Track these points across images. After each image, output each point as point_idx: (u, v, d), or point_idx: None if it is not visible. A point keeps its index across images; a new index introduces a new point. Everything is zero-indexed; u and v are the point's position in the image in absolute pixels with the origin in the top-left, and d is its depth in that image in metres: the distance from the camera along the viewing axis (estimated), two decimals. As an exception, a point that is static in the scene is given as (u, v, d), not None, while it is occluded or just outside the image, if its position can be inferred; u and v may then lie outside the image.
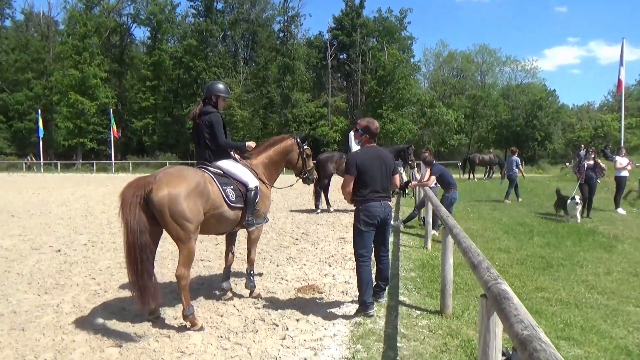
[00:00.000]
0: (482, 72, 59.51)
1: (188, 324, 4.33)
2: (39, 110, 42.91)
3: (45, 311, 4.80)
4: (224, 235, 5.55)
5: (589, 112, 67.94)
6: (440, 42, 71.89)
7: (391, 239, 7.04)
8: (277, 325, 4.37)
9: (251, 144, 5.26)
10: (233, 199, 4.69)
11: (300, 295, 5.35)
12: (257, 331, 4.24)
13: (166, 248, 7.45)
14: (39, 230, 9.65)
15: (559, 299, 5.27)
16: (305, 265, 6.79)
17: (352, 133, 12.88)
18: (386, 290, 5.11)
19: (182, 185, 4.20)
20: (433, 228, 8.61)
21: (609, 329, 4.42)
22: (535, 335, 1.51)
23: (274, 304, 5.04)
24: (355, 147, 12.48)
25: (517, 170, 15.12)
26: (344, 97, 52.34)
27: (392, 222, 5.03)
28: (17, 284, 5.79)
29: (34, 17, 55.76)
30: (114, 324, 4.41)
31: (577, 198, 10.81)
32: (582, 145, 31.24)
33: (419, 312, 4.70)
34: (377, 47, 50.28)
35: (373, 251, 4.88)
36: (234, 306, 4.97)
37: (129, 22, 55.97)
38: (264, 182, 5.29)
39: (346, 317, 4.60)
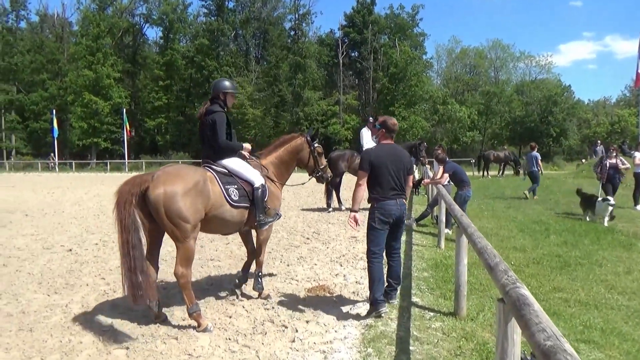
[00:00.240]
0: (496, 68, 58.76)
1: (194, 323, 4.29)
2: (54, 111, 43.43)
3: (54, 311, 4.77)
4: (236, 235, 5.51)
5: (605, 108, 66.87)
6: (452, 38, 71.55)
7: (403, 237, 6.88)
8: (286, 327, 4.28)
9: (247, 146, 5.13)
10: (236, 198, 4.60)
11: (310, 295, 5.26)
12: (266, 333, 4.15)
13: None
14: (52, 230, 9.69)
15: (577, 299, 5.09)
16: (316, 264, 6.69)
17: (363, 130, 12.76)
18: (398, 290, 5.00)
19: (179, 183, 4.15)
20: (446, 227, 8.44)
21: (630, 331, 4.24)
22: (560, 347, 1.39)
23: (283, 304, 4.95)
24: (367, 144, 12.34)
25: (536, 167, 14.83)
26: (355, 94, 52.02)
27: (405, 221, 4.92)
28: (28, 283, 5.78)
29: (49, 19, 56.43)
30: (121, 325, 4.36)
31: (612, 200, 10.14)
32: (599, 141, 30.69)
33: (432, 313, 4.57)
34: (389, 44, 49.89)
35: (386, 249, 4.84)
36: (243, 307, 4.89)
37: (142, 22, 56.32)
38: (273, 182, 5.20)
39: (357, 319, 4.49)
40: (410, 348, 3.77)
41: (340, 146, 41.46)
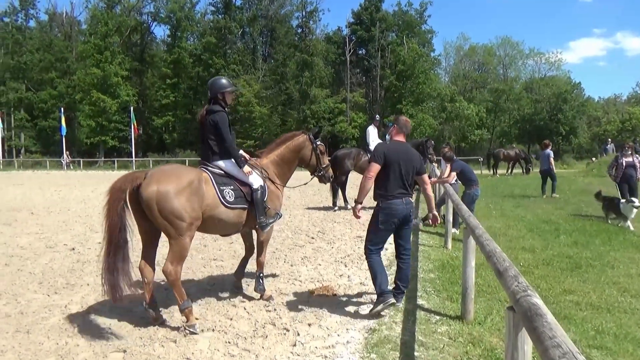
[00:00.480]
0: (505, 65, 58.24)
1: (184, 319, 4.23)
2: (62, 109, 43.63)
3: (53, 312, 4.69)
4: (239, 235, 5.43)
5: (616, 105, 66.04)
6: (461, 35, 70.80)
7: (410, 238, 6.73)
8: (288, 330, 4.16)
9: (245, 155, 5.04)
10: (231, 199, 4.50)
11: (313, 297, 5.13)
12: (266, 336, 4.04)
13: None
14: (56, 228, 9.66)
15: (589, 302, 4.93)
16: (320, 265, 6.57)
17: (370, 128, 12.61)
18: (405, 293, 4.86)
19: (172, 182, 4.08)
20: (453, 226, 8.28)
21: (645, 336, 4.08)
22: (577, 366, 1.26)
23: (286, 306, 4.84)
24: (373, 142, 12.20)
25: (549, 164, 14.57)
26: (362, 92, 51.79)
27: (413, 219, 4.80)
28: (28, 283, 5.72)
29: (57, 17, 56.73)
30: (120, 327, 4.26)
31: (637, 201, 9.55)
32: (609, 140, 30.27)
33: (438, 317, 4.43)
34: (397, 41, 49.61)
35: (395, 250, 4.81)
36: (245, 309, 4.78)
37: (149, 21, 56.49)
38: (273, 182, 5.08)
39: (361, 322, 4.36)
40: (415, 354, 3.63)
41: (347, 144, 41.29)
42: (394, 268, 5.12)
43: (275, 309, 4.74)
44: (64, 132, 42.52)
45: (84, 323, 4.37)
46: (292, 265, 6.56)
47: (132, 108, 43.11)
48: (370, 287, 5.46)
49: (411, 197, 4.69)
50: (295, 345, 3.85)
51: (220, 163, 4.69)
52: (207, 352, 3.77)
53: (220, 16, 51.33)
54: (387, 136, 5.39)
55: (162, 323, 4.31)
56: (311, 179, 5.77)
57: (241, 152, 5.04)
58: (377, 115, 13.71)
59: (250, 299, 5.12)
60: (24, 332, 4.16)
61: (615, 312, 4.65)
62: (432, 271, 6.14)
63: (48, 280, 5.80)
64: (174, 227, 4.05)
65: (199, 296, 5.19)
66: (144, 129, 50.85)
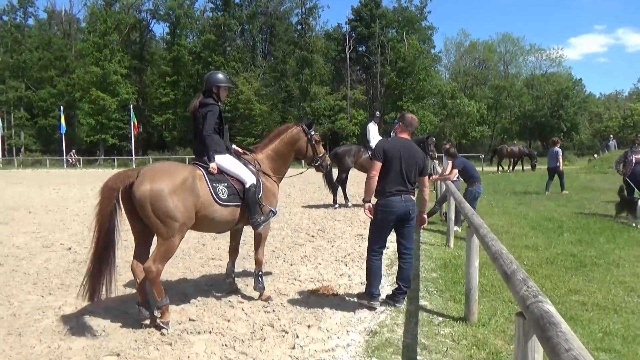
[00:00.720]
0: (505, 61, 57.92)
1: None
2: (61, 107, 43.49)
3: (46, 314, 4.58)
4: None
5: (617, 101, 65.84)
6: (461, 32, 70.66)
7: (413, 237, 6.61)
8: (286, 333, 4.05)
9: (238, 149, 4.94)
10: (224, 197, 4.39)
11: (313, 297, 5.02)
12: (264, 339, 3.92)
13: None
14: (53, 227, 9.55)
15: (595, 302, 4.81)
16: (320, 264, 6.46)
17: (370, 125, 12.48)
18: (407, 294, 4.75)
19: (165, 180, 3.97)
20: (455, 224, 8.16)
21: (654, 338, 3.96)
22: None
23: (285, 307, 4.72)
24: (373, 139, 12.07)
25: (558, 162, 14.43)
26: (363, 89, 51.62)
27: (414, 218, 4.72)
28: (23, 284, 5.61)
29: (56, 15, 56.59)
30: (114, 330, 4.15)
31: None
32: (611, 136, 30.15)
33: (441, 318, 4.31)
34: (397, 38, 49.35)
35: (397, 249, 4.76)
36: (243, 310, 4.67)
37: (148, 18, 56.30)
38: (270, 177, 4.97)
39: (361, 324, 4.24)
40: (418, 357, 3.52)
41: (347, 141, 41.18)
42: (396, 268, 5.02)
43: (274, 310, 4.63)
44: (63, 130, 42.34)
45: (78, 325, 4.26)
46: (291, 265, 6.45)
47: (131, 106, 42.92)
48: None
49: (412, 195, 4.59)
50: (294, 348, 3.74)
51: (215, 159, 4.57)
52: (203, 355, 3.66)
53: (219, 13, 51.11)
54: (391, 133, 5.30)
55: (157, 325, 4.20)
56: (307, 168, 5.65)
57: (234, 146, 4.93)
58: (378, 112, 13.56)
59: (249, 299, 5.01)
60: (15, 335, 4.05)
61: (623, 313, 4.53)
62: (435, 270, 6.02)
63: (43, 281, 5.69)
64: (166, 226, 3.95)
65: (196, 296, 5.08)
66: (144, 127, 50.70)
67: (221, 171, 4.54)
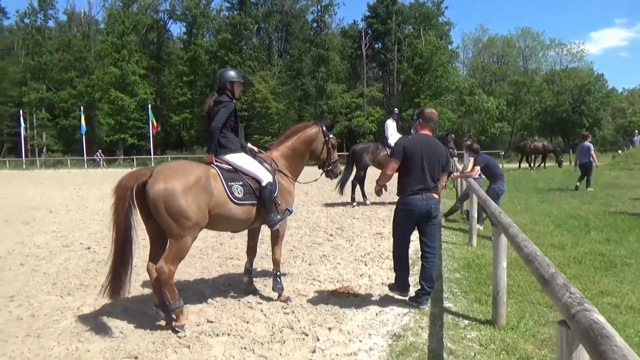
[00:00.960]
0: (525, 57, 56.95)
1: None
2: (82, 108, 44.16)
3: (65, 315, 4.55)
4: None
5: (642, 96, 64.16)
6: (479, 27, 69.53)
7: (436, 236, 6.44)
8: (306, 335, 3.93)
9: (253, 147, 4.86)
10: (240, 195, 4.31)
11: (333, 298, 4.89)
12: (284, 342, 3.82)
13: (195, 245, 7.14)
14: (73, 227, 9.62)
15: (629, 305, 4.58)
16: (339, 264, 6.33)
17: (388, 122, 12.30)
18: (430, 294, 4.60)
19: (180, 179, 3.91)
20: (477, 222, 7.95)
21: (695, 343, 3.74)
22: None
23: (304, 308, 4.61)
24: (392, 136, 11.89)
25: (589, 157, 14.13)
26: (379, 87, 51.26)
27: (439, 215, 4.62)
28: (42, 284, 5.61)
29: (76, 17, 57.50)
30: (132, 331, 4.09)
31: None
32: (636, 131, 29.25)
33: (467, 321, 4.14)
34: (414, 34, 48.89)
35: (420, 247, 4.66)
36: (262, 311, 4.57)
37: (166, 18, 56.82)
38: (286, 175, 4.86)
39: (384, 327, 4.10)
40: (444, 363, 3.38)
41: (364, 139, 40.93)
42: (418, 267, 4.88)
43: (293, 311, 4.52)
44: (84, 130, 43.02)
45: (96, 326, 4.21)
46: (310, 264, 6.34)
47: (149, 106, 43.34)
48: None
49: (434, 193, 4.44)
50: (314, 351, 3.63)
51: (228, 157, 4.49)
52: (222, 358, 3.57)
53: (235, 12, 51.30)
54: (412, 130, 5.15)
55: (172, 327, 4.12)
56: (321, 174, 5.51)
57: (249, 145, 4.84)
58: (396, 109, 13.37)
59: (268, 299, 4.91)
60: (34, 337, 4.03)
61: (659, 316, 4.30)
62: (458, 270, 5.84)
63: (62, 281, 5.69)
64: (179, 225, 3.89)
65: (214, 297, 5.00)
66: (162, 126, 51.15)
67: (236, 170, 4.45)
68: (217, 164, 4.42)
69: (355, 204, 12.10)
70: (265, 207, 4.50)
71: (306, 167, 5.39)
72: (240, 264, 6.42)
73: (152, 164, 41.76)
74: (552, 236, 7.84)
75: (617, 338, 1.36)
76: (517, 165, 26.06)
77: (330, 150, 5.24)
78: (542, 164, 26.41)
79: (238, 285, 5.40)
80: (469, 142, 8.88)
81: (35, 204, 13.68)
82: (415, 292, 4.61)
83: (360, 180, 12.35)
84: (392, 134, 12.01)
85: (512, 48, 56.77)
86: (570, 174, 19.49)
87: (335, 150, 5.35)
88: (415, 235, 4.72)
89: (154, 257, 4.16)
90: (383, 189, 4.74)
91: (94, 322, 4.31)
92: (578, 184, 14.37)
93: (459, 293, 4.94)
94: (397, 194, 4.56)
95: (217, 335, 4.00)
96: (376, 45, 52.65)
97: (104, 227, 9.45)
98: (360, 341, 3.80)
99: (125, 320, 4.33)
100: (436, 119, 4.73)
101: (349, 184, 12.37)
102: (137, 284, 5.52)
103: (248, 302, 4.84)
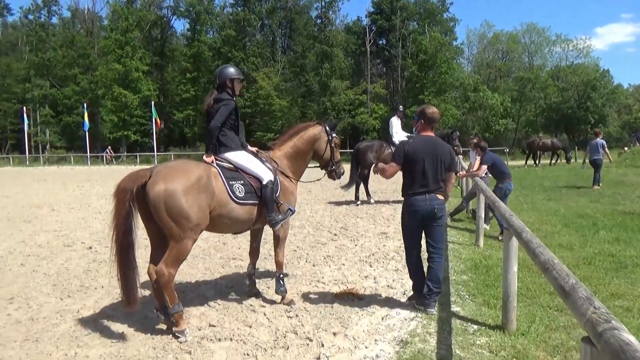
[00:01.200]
0: (530, 53, 56.45)
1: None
2: (85, 104, 44.15)
3: (64, 318, 4.46)
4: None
5: (648, 92, 63.66)
6: (484, 23, 69.12)
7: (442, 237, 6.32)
8: (311, 341, 3.83)
9: (252, 148, 4.74)
10: (241, 195, 4.21)
11: (337, 301, 4.78)
12: (288, 347, 3.71)
13: (198, 245, 7.06)
14: (75, 225, 9.54)
15: (641, 308, 4.46)
16: (344, 265, 6.22)
17: (393, 119, 12.17)
18: (438, 295, 4.49)
19: (180, 179, 3.81)
20: (484, 222, 7.81)
21: None
22: None
23: (308, 312, 4.50)
24: (396, 134, 11.76)
25: (601, 154, 14.09)
26: (383, 83, 50.90)
27: (445, 217, 4.57)
28: (42, 285, 5.53)
29: (79, 14, 57.45)
30: (132, 336, 4.00)
31: None
32: (644, 128, 28.99)
33: (475, 326, 4.02)
34: (418, 30, 48.56)
35: (426, 249, 4.54)
36: (265, 314, 4.47)
37: (169, 15, 56.68)
38: (287, 176, 4.75)
39: (390, 332, 3.99)
40: (454, 371, 3.26)
41: (368, 136, 40.74)
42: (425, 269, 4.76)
43: (297, 315, 4.42)
44: (87, 127, 43.00)
45: (96, 330, 4.12)
46: (314, 266, 6.23)
47: (153, 103, 43.27)
48: (398, 289, 5.13)
49: (438, 194, 4.34)
50: (319, 358, 3.52)
51: (229, 155, 4.39)
52: (223, 365, 3.48)
53: (239, 9, 51.05)
54: (414, 130, 5.04)
55: (172, 333, 4.02)
56: (324, 175, 5.39)
57: (249, 147, 4.73)
58: (401, 106, 13.23)
59: (271, 303, 4.80)
60: (32, 341, 3.93)
61: (673, 320, 4.17)
62: (465, 272, 5.72)
63: (62, 283, 5.60)
64: (179, 227, 3.79)
65: (216, 299, 4.90)
66: (165, 123, 51.10)
67: (237, 168, 4.35)
68: (218, 162, 4.32)
69: (359, 202, 11.99)
70: (266, 207, 4.40)
71: (310, 167, 5.28)
72: (244, 265, 6.31)
73: (156, 161, 41.81)
74: (560, 236, 7.71)
75: (652, 363, 1.24)
76: (524, 162, 25.87)
77: (333, 149, 5.14)
78: (555, 161, 26.23)
79: (241, 287, 5.30)
80: (475, 140, 8.74)
81: (38, 202, 13.63)
82: (424, 294, 4.50)
83: (364, 178, 12.23)
84: (397, 131, 11.89)
85: (518, 44, 56.27)
86: (577, 171, 19.28)
87: (338, 149, 5.24)
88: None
89: (154, 259, 4.06)
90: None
91: (94, 326, 4.22)
92: (599, 185, 14.31)
93: (467, 296, 4.82)
94: (402, 195, 4.54)
95: (219, 340, 3.90)
96: (380, 42, 52.33)
97: (105, 226, 9.31)
98: (366, 347, 3.69)
99: (126, 324, 4.24)
100: (439, 119, 4.63)
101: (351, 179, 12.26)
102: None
103: (251, 305, 4.74)
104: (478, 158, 8.35)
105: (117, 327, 4.20)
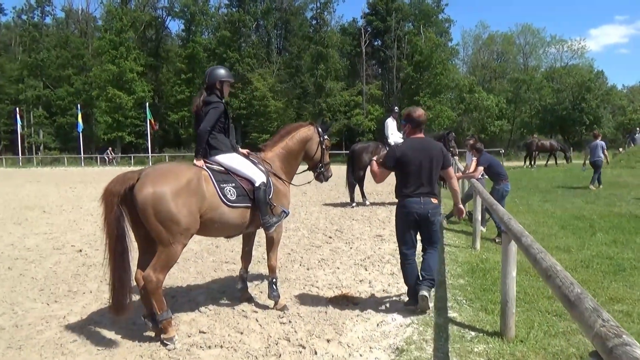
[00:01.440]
0: (525, 54, 56.57)
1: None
2: (79, 105, 43.82)
3: (50, 324, 4.32)
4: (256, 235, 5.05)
5: (642, 94, 63.91)
6: (480, 24, 69.30)
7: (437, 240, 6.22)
8: (304, 348, 3.71)
9: (243, 151, 4.62)
10: (233, 197, 4.09)
11: (332, 306, 4.67)
12: (280, 355, 3.60)
13: (190, 248, 6.94)
14: (66, 228, 9.38)
15: (641, 313, 4.37)
16: (338, 268, 6.11)
17: (388, 120, 12.07)
18: (432, 292, 4.42)
19: (169, 182, 3.70)
20: (481, 224, 7.72)
21: None
22: None
23: (301, 318, 4.39)
24: (392, 135, 11.67)
25: (602, 155, 14.23)
26: (379, 84, 50.88)
27: (438, 219, 4.50)
28: (29, 290, 5.38)
29: (73, 14, 57.05)
30: (119, 344, 3.87)
31: None
32: (638, 129, 29.07)
33: (473, 333, 3.92)
34: (413, 31, 48.51)
35: (422, 248, 4.56)
36: (257, 320, 4.35)
37: (164, 15, 56.38)
38: (280, 178, 4.64)
39: (385, 339, 3.87)
40: (451, 380, 3.16)
41: (363, 137, 40.66)
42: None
43: (290, 321, 4.30)
44: (81, 128, 42.66)
45: (82, 337, 3.99)
46: (308, 269, 6.11)
47: (147, 104, 43.00)
48: (393, 294, 5.02)
49: (433, 198, 4.27)
50: (312, 367, 3.41)
51: (219, 158, 4.27)
52: (213, 374, 3.36)
53: (234, 9, 50.84)
54: (401, 133, 5.00)
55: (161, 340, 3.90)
56: (315, 176, 5.27)
57: (240, 148, 4.62)
58: (396, 107, 13.14)
59: (264, 308, 4.68)
60: (15, 349, 3.80)
61: (674, 325, 4.09)
62: (462, 276, 5.62)
63: (49, 287, 5.46)
64: (168, 232, 3.67)
65: (207, 304, 4.77)
66: (160, 124, 50.80)
67: (228, 171, 4.24)
68: (208, 165, 4.20)
69: (354, 204, 11.88)
70: (259, 209, 4.29)
71: (301, 170, 5.17)
72: (236, 269, 6.17)
73: (150, 162, 41.56)
74: (556, 238, 7.64)
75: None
76: (522, 163, 25.97)
77: (324, 151, 5.05)
78: (554, 162, 26.27)
79: (233, 291, 5.18)
80: (472, 141, 8.65)
81: (29, 203, 13.45)
82: (415, 284, 4.42)
83: (359, 180, 12.13)
84: (393, 132, 11.79)
85: (512, 45, 56.37)
86: (572, 172, 19.30)
87: (328, 152, 5.15)
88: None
89: (142, 264, 3.95)
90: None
91: (80, 333, 4.09)
92: (600, 185, 14.43)
93: (464, 301, 4.72)
94: (395, 197, 4.50)
95: (209, 347, 3.78)
96: (375, 43, 52.27)
97: (97, 229, 9.19)
98: (360, 355, 3.58)
99: (113, 331, 4.11)
100: (426, 120, 4.56)
101: (346, 182, 12.16)
102: (127, 290, 5.30)
103: (243, 310, 4.62)
104: (474, 159, 8.26)
105: (104, 334, 4.07)
